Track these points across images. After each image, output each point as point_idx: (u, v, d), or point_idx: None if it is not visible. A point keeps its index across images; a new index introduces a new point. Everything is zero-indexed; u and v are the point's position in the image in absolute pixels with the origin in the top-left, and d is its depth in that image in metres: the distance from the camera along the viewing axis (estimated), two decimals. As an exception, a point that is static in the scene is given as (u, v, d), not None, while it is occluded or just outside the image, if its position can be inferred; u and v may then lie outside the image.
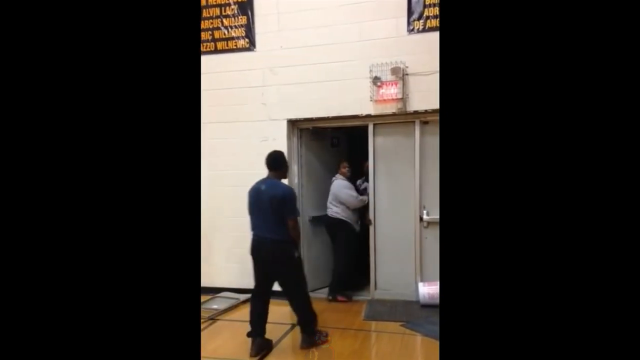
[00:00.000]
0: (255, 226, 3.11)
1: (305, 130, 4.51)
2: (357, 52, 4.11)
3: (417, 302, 3.97)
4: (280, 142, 4.33)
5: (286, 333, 3.47)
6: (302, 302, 3.14)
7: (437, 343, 3.11)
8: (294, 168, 4.40)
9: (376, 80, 4.01)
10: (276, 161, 3.17)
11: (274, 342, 3.24)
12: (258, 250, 3.05)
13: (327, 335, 3.27)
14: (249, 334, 3.14)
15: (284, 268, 3.04)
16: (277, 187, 3.06)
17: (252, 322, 3.16)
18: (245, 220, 3.66)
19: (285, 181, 3.36)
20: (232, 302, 4.17)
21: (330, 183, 4.45)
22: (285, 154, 4.22)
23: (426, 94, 3.91)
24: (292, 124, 4.42)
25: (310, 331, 3.17)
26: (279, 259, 3.01)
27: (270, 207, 2.97)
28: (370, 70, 4.04)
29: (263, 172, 3.61)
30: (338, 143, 4.86)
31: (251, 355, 3.06)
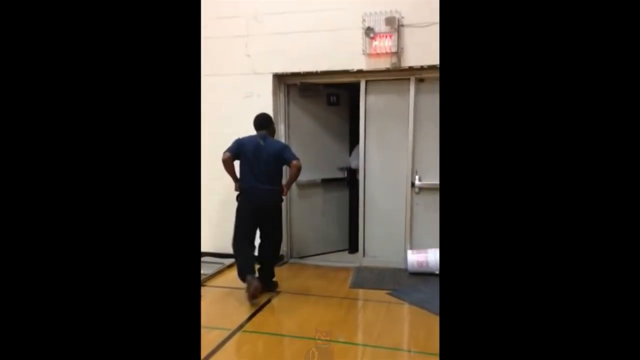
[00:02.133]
0: (252, 176, 3.30)
1: (293, 86, 4.19)
2: (348, -1, 3.73)
3: (406, 270, 3.85)
4: (265, 99, 4.03)
5: (269, 299, 3.36)
6: (277, 242, 3.56)
7: (423, 312, 3.07)
8: (280, 127, 4.12)
9: (369, 32, 3.67)
10: (267, 121, 3.46)
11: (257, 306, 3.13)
12: (255, 198, 3.33)
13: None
14: (242, 278, 3.31)
15: (275, 213, 3.46)
16: (275, 143, 3.43)
17: (243, 266, 3.33)
18: (225, 182, 3.48)
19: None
20: (218, 267, 4.03)
21: (330, 144, 4.49)
22: (271, 111, 3.97)
23: (423, 48, 3.58)
24: (279, 78, 4.10)
25: (271, 273, 3.48)
26: (272, 205, 3.40)
27: (272, 160, 3.30)
28: (363, 20, 3.68)
29: (246, 131, 3.37)
30: (337, 101, 4.52)
31: (250, 299, 3.22)
